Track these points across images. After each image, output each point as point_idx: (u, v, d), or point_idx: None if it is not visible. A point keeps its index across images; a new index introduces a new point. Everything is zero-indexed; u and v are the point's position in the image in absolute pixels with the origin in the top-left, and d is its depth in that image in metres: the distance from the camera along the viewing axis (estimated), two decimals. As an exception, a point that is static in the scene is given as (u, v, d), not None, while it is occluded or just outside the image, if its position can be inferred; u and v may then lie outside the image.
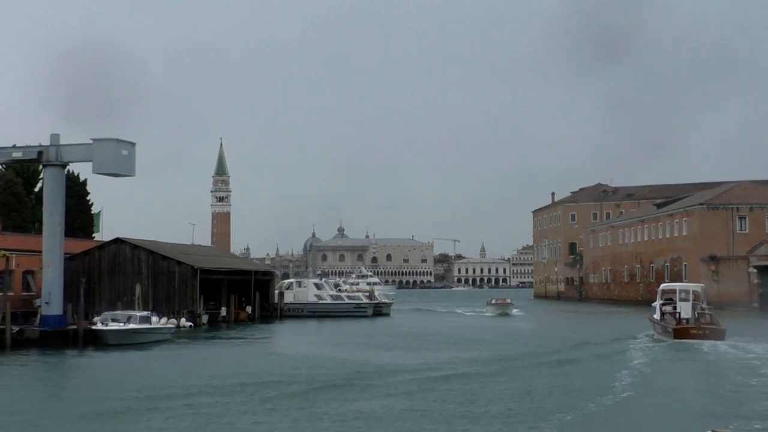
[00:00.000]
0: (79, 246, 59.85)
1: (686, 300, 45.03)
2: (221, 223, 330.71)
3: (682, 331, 41.89)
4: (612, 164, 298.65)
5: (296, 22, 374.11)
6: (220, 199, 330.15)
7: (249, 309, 65.75)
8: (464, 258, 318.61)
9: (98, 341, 39.52)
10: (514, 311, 76.80)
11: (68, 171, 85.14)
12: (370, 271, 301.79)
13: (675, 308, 45.05)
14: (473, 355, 37.16)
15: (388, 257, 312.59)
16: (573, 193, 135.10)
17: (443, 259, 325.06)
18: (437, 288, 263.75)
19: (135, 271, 56.82)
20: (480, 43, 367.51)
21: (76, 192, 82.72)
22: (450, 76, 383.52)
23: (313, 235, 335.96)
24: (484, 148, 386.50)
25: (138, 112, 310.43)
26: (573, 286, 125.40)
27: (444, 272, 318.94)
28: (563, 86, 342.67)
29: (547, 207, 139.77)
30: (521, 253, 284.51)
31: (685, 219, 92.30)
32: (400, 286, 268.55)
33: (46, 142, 41.95)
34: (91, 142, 40.33)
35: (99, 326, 40.10)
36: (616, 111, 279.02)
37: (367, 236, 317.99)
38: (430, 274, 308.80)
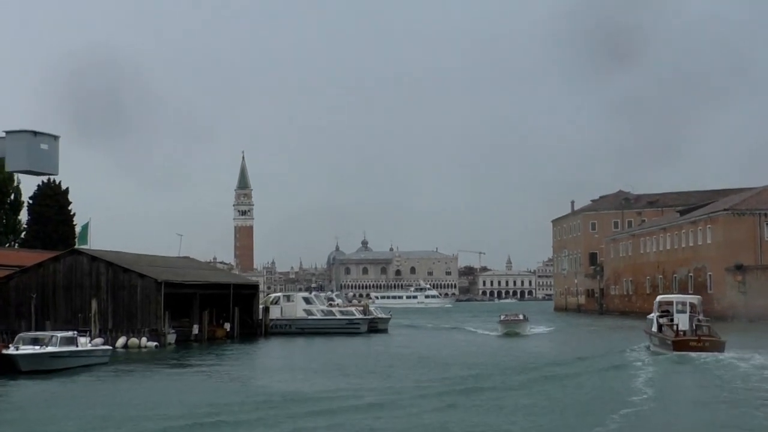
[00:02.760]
0: (34, 258, 55.03)
1: (683, 312, 43.94)
2: (244, 237, 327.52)
3: (681, 344, 40.68)
4: (627, 169, 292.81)
5: (310, 30, 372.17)
6: (243, 213, 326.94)
7: (228, 326, 60.58)
8: (489, 270, 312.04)
9: (14, 367, 34.28)
10: (530, 329, 64.42)
11: (49, 179, 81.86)
12: (394, 283, 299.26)
13: (672, 320, 43.75)
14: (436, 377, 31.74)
15: (412, 270, 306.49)
16: (593, 201, 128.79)
17: (468, 271, 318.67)
18: (485, 301, 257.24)
19: (93, 285, 51.77)
20: (487, 51, 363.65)
21: (56, 201, 78.64)
22: (459, 85, 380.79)
23: (337, 248, 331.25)
24: (503, 157, 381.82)
25: (153, 125, 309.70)
26: (594, 299, 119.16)
27: (469, 285, 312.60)
28: (572, 91, 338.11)
29: (567, 216, 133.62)
30: (546, 264, 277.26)
31: (708, 226, 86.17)
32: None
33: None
34: (3, 134, 35.13)
35: (11, 350, 34.84)
36: (626, 115, 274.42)
37: (391, 249, 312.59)
38: (455, 287, 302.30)
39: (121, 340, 50.06)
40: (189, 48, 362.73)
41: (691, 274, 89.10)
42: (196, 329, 56.19)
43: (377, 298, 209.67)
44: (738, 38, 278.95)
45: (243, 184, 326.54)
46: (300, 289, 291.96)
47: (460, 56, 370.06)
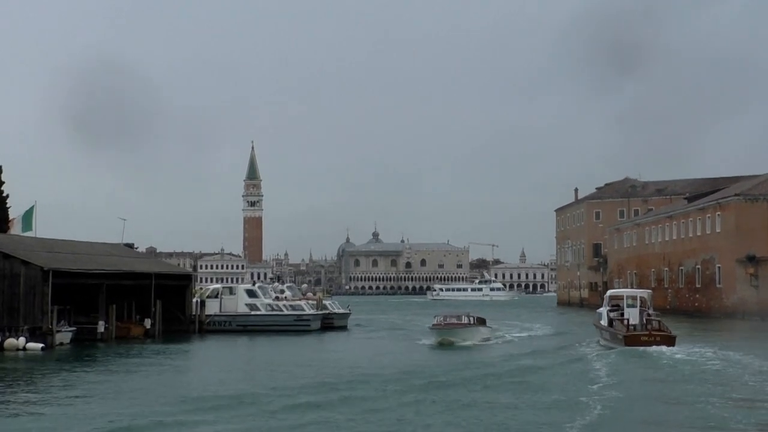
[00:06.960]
0: None
1: (633, 306, 43.49)
2: (253, 228, 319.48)
3: (632, 338, 40.94)
4: (634, 173, 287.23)
5: (321, 33, 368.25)
6: (252, 204, 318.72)
7: (148, 323, 52.37)
8: (502, 263, 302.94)
9: None
10: (484, 337, 48.11)
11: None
12: (404, 275, 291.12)
13: (622, 314, 43.39)
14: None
15: (423, 262, 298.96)
16: (598, 188, 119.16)
17: (480, 264, 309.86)
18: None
19: (-31, 275, 43.65)
20: (497, 57, 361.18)
21: (-17, 183, 70.70)
22: (469, 86, 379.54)
23: (347, 240, 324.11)
24: (513, 154, 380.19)
25: (162, 125, 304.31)
26: (597, 293, 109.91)
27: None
28: (580, 98, 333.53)
29: (570, 205, 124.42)
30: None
31: (718, 213, 77.09)
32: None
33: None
34: None
35: None
36: (635, 122, 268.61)
37: (402, 241, 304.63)
38: (466, 280, 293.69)
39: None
40: (199, 50, 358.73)
41: (698, 266, 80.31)
42: (102, 327, 47.92)
43: (441, 290, 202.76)
44: (741, 48, 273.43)
45: (252, 174, 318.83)
46: (309, 282, 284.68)
47: (470, 60, 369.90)
